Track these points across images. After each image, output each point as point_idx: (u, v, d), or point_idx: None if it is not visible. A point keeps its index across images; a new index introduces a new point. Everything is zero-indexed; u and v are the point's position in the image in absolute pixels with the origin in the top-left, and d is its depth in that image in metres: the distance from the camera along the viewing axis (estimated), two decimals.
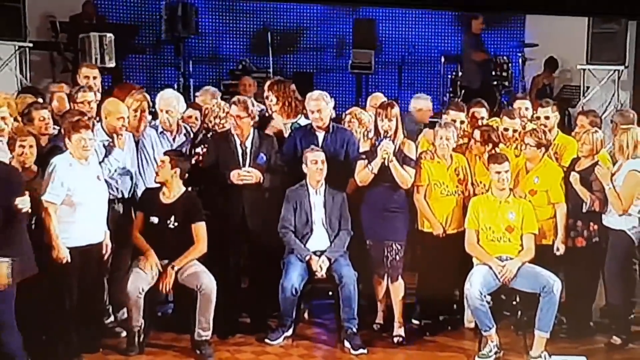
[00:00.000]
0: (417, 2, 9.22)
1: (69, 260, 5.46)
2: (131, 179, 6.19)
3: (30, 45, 10.05)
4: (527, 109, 6.92)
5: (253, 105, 6.31)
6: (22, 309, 5.60)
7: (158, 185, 6.01)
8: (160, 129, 6.32)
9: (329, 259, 6.06)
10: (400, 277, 6.17)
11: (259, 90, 8.45)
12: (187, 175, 6.00)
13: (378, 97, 7.18)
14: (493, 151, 6.26)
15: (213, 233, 6.03)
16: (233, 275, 6.23)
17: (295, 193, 6.19)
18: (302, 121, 6.63)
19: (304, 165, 6.14)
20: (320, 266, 6.04)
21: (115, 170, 5.99)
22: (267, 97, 6.64)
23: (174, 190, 5.95)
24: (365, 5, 11.64)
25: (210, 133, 6.41)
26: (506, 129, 6.51)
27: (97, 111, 6.26)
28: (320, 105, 6.32)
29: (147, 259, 5.83)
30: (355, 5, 11.78)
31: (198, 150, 6.30)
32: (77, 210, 5.54)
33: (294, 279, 6.00)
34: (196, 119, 6.67)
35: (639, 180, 5.98)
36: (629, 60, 10.22)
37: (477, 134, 6.39)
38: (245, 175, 6.07)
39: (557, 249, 6.13)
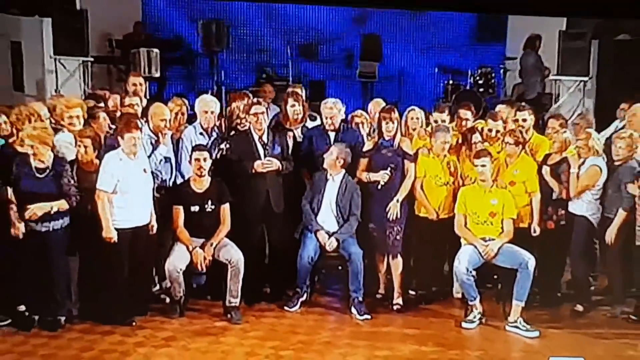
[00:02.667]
0: (410, 3, 9.08)
1: (116, 240, 5.49)
2: (172, 170, 6.19)
3: (92, 59, 10.21)
4: (526, 120, 6.52)
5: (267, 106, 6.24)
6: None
7: (183, 180, 6.04)
8: (199, 129, 6.31)
9: (338, 240, 6.07)
10: (399, 255, 6.18)
11: (279, 95, 8.47)
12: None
13: (379, 102, 7.14)
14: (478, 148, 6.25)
15: (240, 216, 6.04)
16: (257, 252, 6.23)
17: (317, 176, 6.20)
18: (309, 124, 6.65)
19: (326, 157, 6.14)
20: (328, 244, 6.04)
21: (160, 162, 6.01)
22: (292, 106, 6.53)
23: (205, 179, 5.97)
24: (364, 6, 11.52)
25: (232, 132, 6.44)
26: (490, 130, 6.49)
27: (144, 113, 6.28)
28: (332, 113, 6.35)
29: (190, 250, 5.83)
30: (354, 6, 11.66)
31: (222, 146, 6.29)
32: (126, 197, 5.57)
33: (310, 249, 6.04)
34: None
35: (597, 173, 6.01)
36: (592, 73, 10.24)
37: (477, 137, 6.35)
38: (267, 163, 6.09)
39: (534, 231, 6.12)
